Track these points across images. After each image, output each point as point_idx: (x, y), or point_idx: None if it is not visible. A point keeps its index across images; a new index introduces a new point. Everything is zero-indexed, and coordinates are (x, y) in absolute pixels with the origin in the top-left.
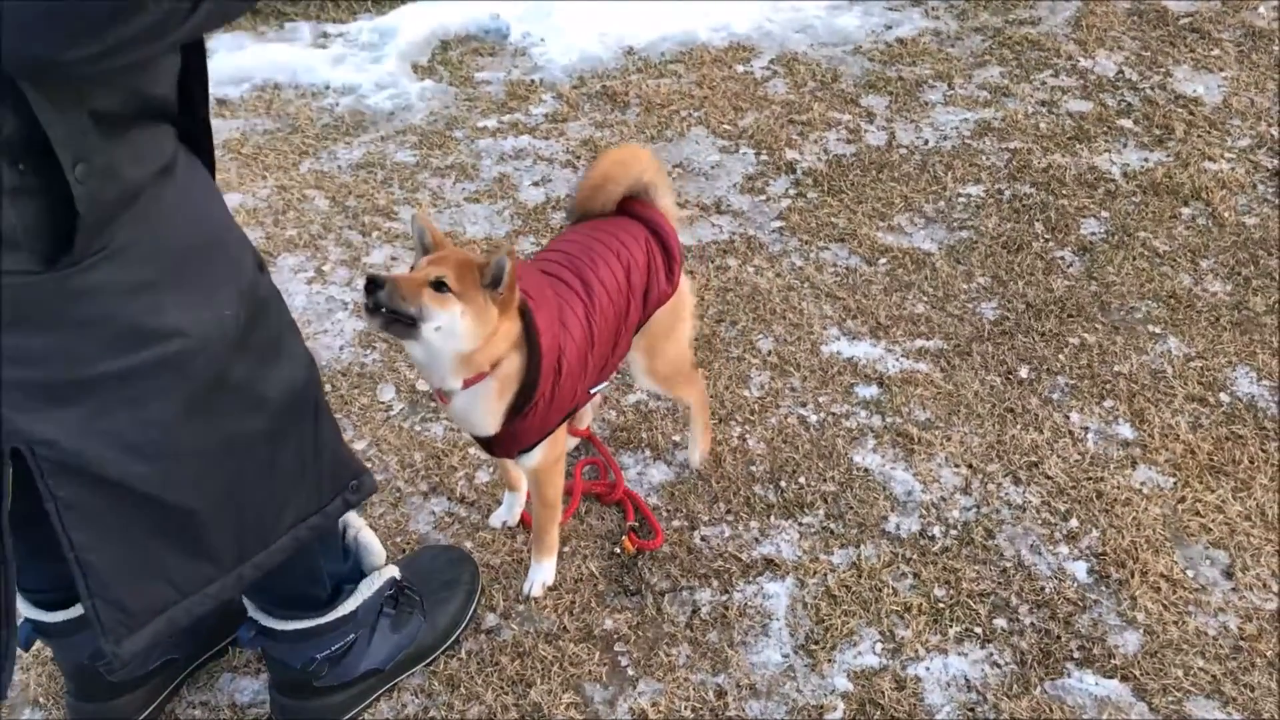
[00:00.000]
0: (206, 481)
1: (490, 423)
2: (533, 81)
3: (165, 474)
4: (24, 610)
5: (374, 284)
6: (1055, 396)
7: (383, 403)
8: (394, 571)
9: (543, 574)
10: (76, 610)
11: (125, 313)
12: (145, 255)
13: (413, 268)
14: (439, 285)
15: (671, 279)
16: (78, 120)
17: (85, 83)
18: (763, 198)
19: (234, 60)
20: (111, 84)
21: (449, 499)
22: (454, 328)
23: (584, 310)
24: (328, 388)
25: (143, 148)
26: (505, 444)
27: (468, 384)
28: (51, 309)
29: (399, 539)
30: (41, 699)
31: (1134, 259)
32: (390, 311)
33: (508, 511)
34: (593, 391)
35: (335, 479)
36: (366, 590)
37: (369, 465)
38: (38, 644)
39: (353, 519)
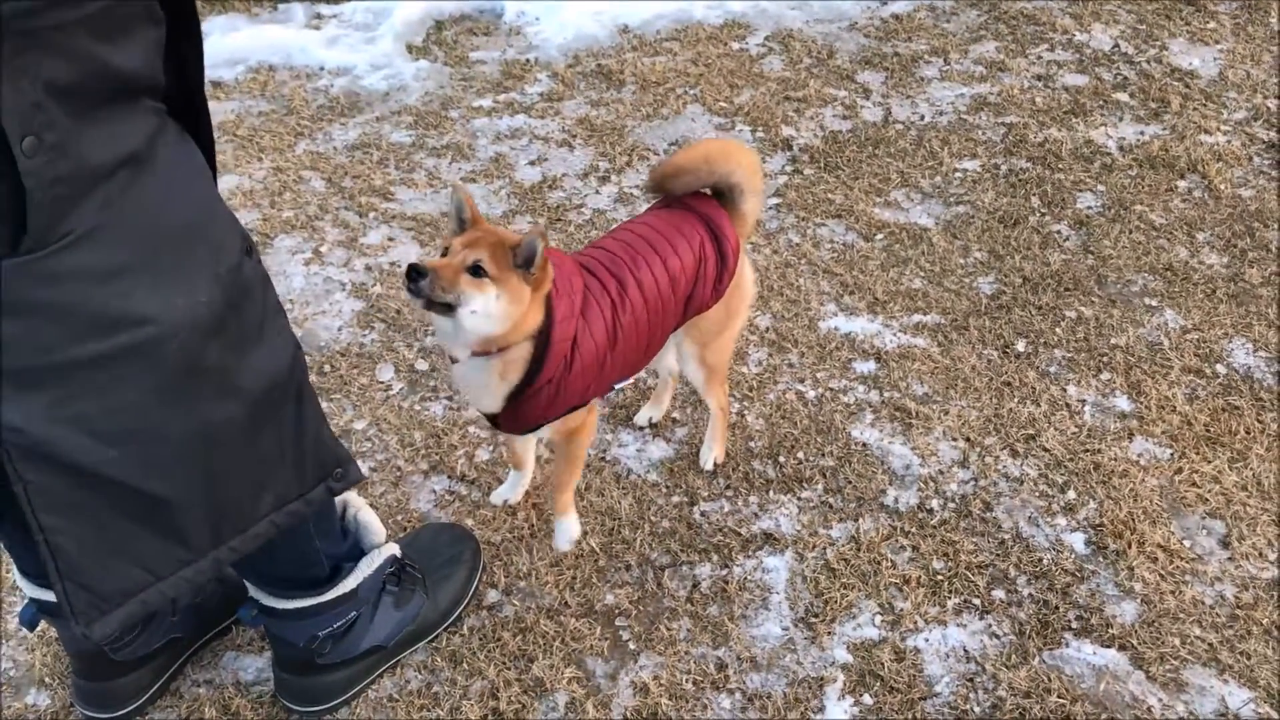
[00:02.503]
0: (179, 467)
1: (489, 400)
2: (528, 61)
3: (135, 460)
4: (28, 590)
5: (416, 273)
6: (1052, 370)
7: (382, 382)
8: (394, 549)
9: (568, 529)
10: None
11: (94, 299)
12: (117, 240)
13: (444, 250)
14: (476, 270)
15: (719, 288)
16: (29, 91)
17: (35, 46)
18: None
19: (228, 42)
20: (67, 51)
21: (449, 477)
22: (489, 310)
23: (612, 309)
24: (326, 368)
25: (113, 128)
26: (507, 422)
27: (476, 354)
28: (17, 294)
29: (400, 517)
30: (47, 679)
31: (1130, 232)
32: (429, 298)
33: (510, 490)
34: (617, 386)
35: (319, 465)
36: (367, 568)
37: (369, 445)
38: (42, 624)
39: (352, 498)
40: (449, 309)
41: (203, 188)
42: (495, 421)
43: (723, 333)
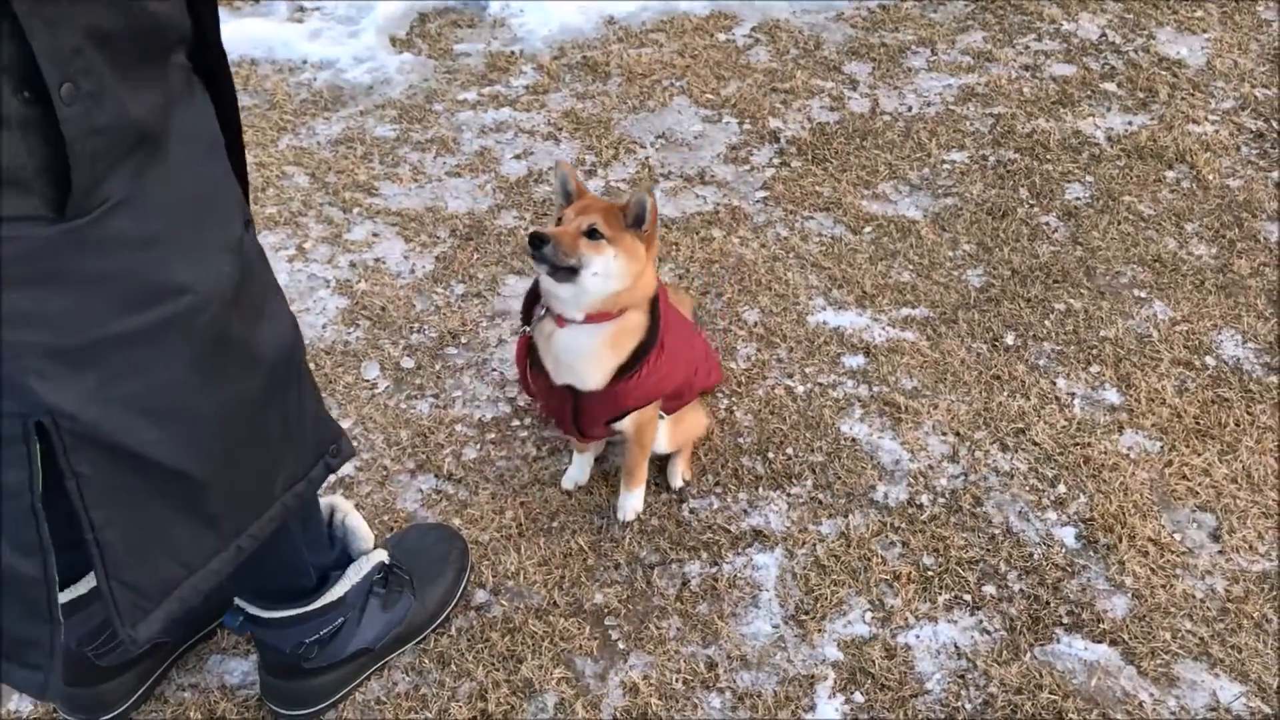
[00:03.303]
0: (211, 446)
1: (595, 374)
2: (512, 53)
3: (177, 440)
4: None
5: (540, 240)
6: (1042, 363)
7: (367, 380)
8: (382, 556)
9: (633, 501)
10: (67, 595)
11: (136, 267)
12: (153, 206)
13: (559, 220)
14: (592, 233)
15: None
16: (69, 37)
17: None
18: (746, 168)
19: None
20: None
21: (436, 476)
22: (609, 269)
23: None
24: (311, 366)
25: (148, 81)
26: (600, 405)
27: (590, 319)
28: (65, 263)
29: (386, 517)
30: None
31: (1119, 223)
32: (554, 264)
33: (580, 472)
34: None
35: (317, 443)
36: (355, 575)
37: (355, 444)
38: None
39: (340, 503)
40: (572, 273)
41: (217, 157)
42: (577, 415)
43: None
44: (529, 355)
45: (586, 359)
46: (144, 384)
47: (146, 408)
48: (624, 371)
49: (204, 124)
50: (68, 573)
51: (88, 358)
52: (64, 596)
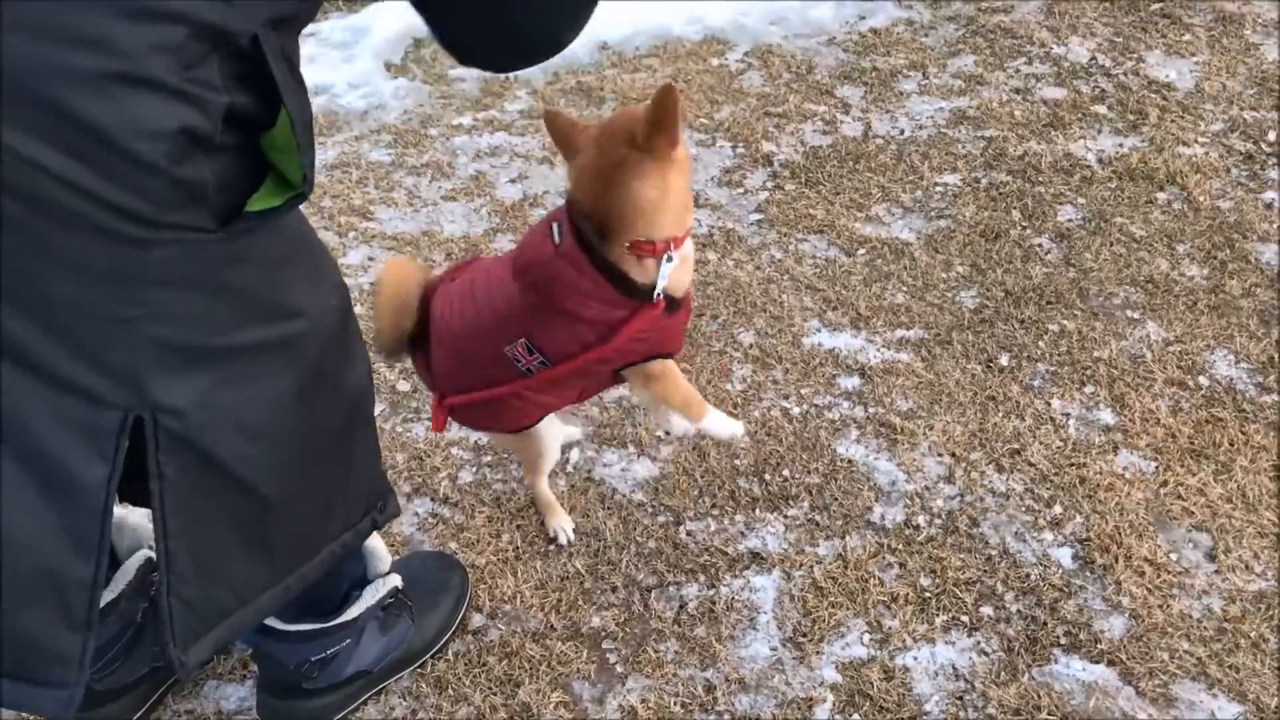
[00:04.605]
0: (290, 476)
1: None
2: (507, 78)
3: (262, 459)
4: None
5: None
6: (1036, 384)
7: None
8: (397, 581)
9: (721, 422)
10: None
11: (266, 284)
12: (282, 230)
13: None
14: None
15: None
16: (306, 102)
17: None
18: (740, 190)
19: None
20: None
21: (432, 500)
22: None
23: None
24: None
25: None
26: None
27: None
28: (211, 270)
29: (383, 541)
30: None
31: (1111, 245)
32: None
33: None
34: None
35: (369, 495)
36: (371, 597)
37: None
38: None
39: None
40: None
41: None
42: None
43: None
44: None
45: None
46: (247, 397)
47: (243, 421)
48: None
49: None
50: None
51: (206, 361)
52: None
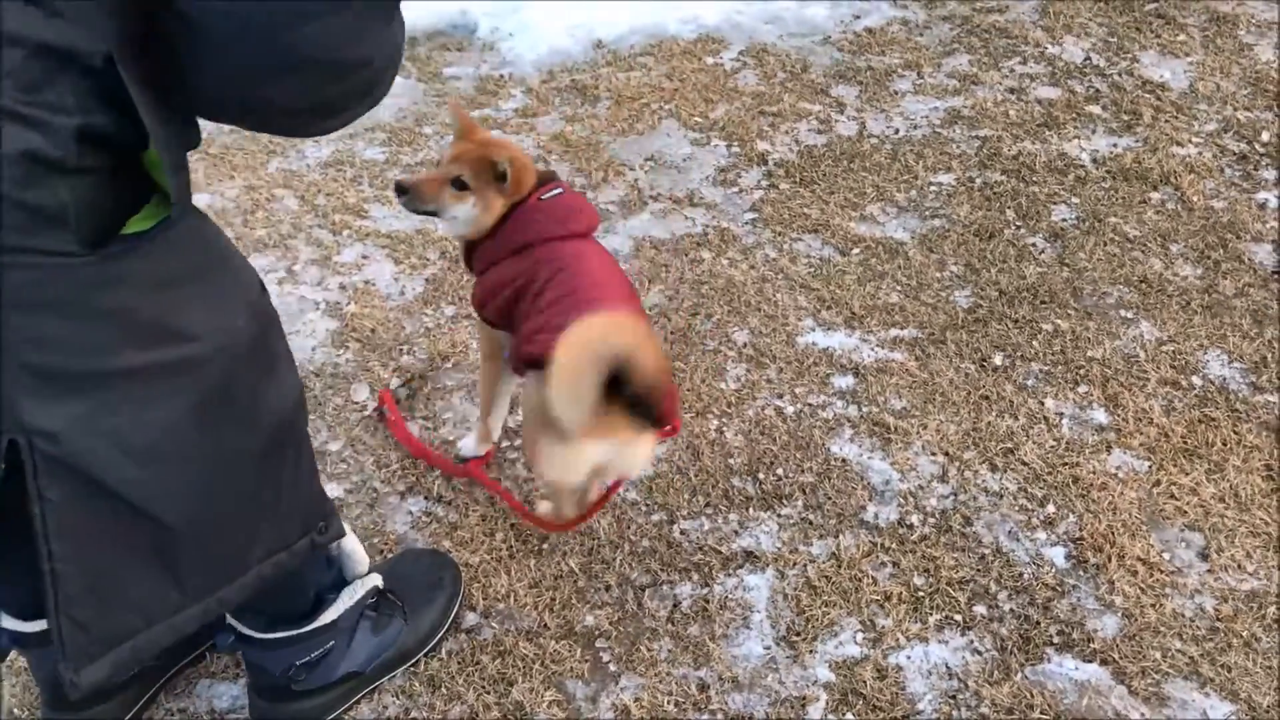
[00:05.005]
0: (192, 499)
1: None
2: (502, 76)
3: (158, 483)
4: (1, 620)
5: (400, 190)
6: (1030, 383)
7: (357, 403)
8: (376, 581)
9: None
10: (42, 624)
11: (149, 307)
12: (172, 250)
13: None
14: (458, 183)
15: None
16: (174, 120)
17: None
18: (735, 189)
19: None
20: None
21: (426, 498)
22: (467, 216)
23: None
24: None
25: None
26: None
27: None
28: (81, 294)
29: (376, 540)
30: (16, 710)
31: (1105, 244)
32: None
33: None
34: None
35: (306, 517)
36: (348, 600)
37: (345, 466)
38: (12, 654)
39: None
40: (432, 214)
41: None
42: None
43: None
44: None
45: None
46: (135, 421)
47: (131, 446)
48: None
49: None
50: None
51: (83, 386)
52: (41, 625)
